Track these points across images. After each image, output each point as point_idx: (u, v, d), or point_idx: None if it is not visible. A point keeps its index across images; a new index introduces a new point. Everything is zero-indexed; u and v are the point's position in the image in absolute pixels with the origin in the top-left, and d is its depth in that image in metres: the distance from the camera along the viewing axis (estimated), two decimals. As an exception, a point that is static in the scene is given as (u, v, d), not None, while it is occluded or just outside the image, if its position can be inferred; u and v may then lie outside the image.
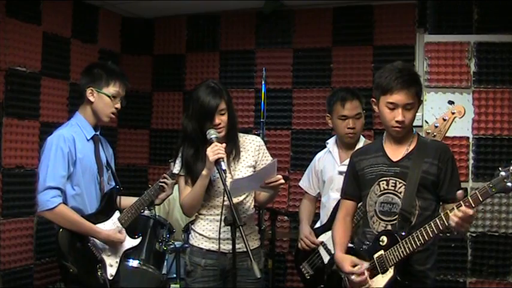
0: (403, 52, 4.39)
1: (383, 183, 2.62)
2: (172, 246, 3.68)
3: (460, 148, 4.15)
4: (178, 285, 3.74)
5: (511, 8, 4.07)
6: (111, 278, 3.04)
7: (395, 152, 2.64)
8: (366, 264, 2.57)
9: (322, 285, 3.41)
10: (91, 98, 3.08)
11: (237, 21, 4.91)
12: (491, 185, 2.23)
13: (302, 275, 3.60)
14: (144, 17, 5.09)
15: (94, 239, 3.03)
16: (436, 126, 2.94)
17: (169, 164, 3.41)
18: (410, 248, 2.44)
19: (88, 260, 2.99)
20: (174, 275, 3.81)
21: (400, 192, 2.57)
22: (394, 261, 2.48)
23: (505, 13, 4.10)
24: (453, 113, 2.95)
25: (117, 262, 3.10)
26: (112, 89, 3.11)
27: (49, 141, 3.01)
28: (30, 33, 3.99)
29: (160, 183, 3.35)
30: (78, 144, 3.02)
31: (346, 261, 2.62)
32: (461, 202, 2.29)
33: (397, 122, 2.55)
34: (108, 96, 3.09)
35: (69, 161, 2.97)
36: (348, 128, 3.49)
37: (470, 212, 2.24)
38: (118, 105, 3.15)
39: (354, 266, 2.59)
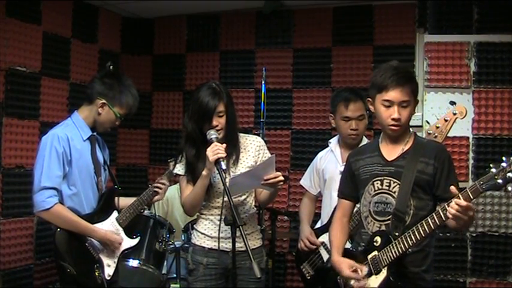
0: (403, 52, 4.38)
1: (377, 183, 2.59)
2: (172, 246, 3.68)
3: (460, 148, 4.15)
4: (178, 285, 3.73)
5: (511, 8, 4.07)
6: (108, 278, 3.04)
7: (391, 152, 2.62)
8: (365, 269, 2.53)
9: (322, 286, 3.41)
10: (100, 110, 3.07)
11: (237, 21, 4.91)
12: (481, 182, 2.21)
13: (303, 275, 3.59)
14: (144, 17, 5.09)
15: (92, 239, 3.02)
16: (438, 127, 2.93)
17: (168, 164, 3.41)
18: (403, 248, 2.41)
19: (86, 260, 2.99)
20: (174, 275, 3.81)
21: (395, 192, 2.54)
22: (388, 261, 2.46)
23: (505, 13, 4.10)
24: (454, 114, 2.94)
25: (115, 262, 3.10)
26: (123, 110, 3.12)
27: (43, 141, 3.00)
28: (30, 33, 3.99)
29: (154, 188, 3.33)
30: (74, 144, 3.01)
31: (344, 265, 2.58)
32: (459, 195, 2.25)
33: (393, 119, 2.53)
34: (116, 116, 3.10)
35: (64, 160, 2.96)
36: (351, 130, 3.47)
37: (464, 203, 2.20)
38: (118, 123, 3.17)
39: (353, 269, 2.55)
